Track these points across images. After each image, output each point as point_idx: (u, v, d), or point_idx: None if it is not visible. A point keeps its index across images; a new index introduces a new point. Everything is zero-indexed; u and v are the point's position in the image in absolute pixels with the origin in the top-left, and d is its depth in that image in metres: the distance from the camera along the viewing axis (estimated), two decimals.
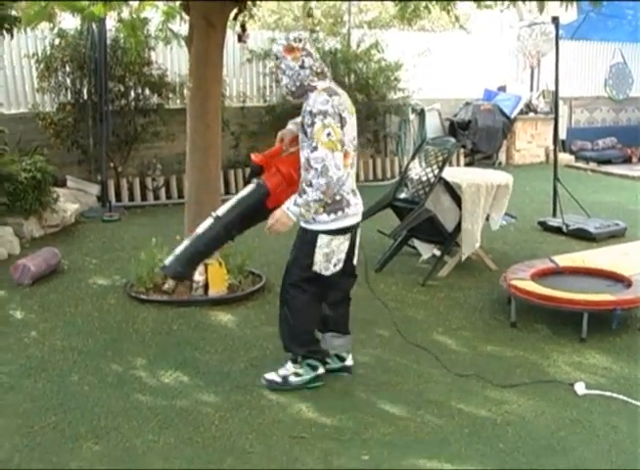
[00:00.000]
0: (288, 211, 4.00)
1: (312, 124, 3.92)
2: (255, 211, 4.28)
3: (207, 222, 4.30)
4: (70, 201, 8.95)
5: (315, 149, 3.91)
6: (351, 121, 4.14)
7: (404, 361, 4.73)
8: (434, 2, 6.61)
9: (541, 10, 6.51)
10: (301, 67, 4.11)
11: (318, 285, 4.23)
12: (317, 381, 4.34)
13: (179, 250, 4.34)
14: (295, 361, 4.33)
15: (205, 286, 5.90)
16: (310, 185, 3.93)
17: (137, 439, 3.75)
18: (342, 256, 4.19)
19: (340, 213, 4.09)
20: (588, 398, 4.20)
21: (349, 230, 4.18)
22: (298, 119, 4.24)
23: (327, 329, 4.46)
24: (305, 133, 3.99)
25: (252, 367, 4.60)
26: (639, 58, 15.12)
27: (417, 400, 4.18)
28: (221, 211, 4.31)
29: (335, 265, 4.17)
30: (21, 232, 7.71)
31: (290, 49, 4.14)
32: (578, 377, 4.45)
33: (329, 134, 3.90)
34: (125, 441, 3.73)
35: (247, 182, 4.47)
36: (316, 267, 4.14)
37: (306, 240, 4.15)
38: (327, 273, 4.17)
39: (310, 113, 3.95)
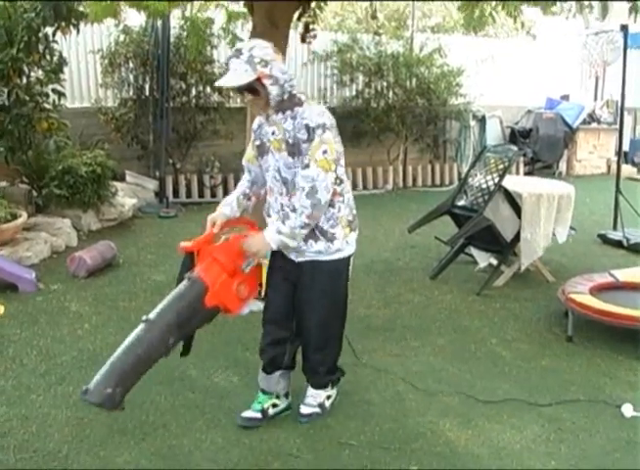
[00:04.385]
0: (270, 241, 3.55)
1: (309, 140, 3.45)
2: (193, 311, 3.51)
3: (137, 330, 3.41)
4: (128, 195, 9.05)
5: (307, 167, 3.46)
6: None
7: (457, 371, 4.65)
8: (499, 9, 6.52)
9: (604, 16, 6.33)
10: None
11: None
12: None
13: (105, 368, 3.30)
14: (325, 386, 4.04)
15: (259, 286, 5.87)
16: (294, 210, 3.53)
17: (184, 437, 3.74)
18: None
19: (357, 229, 3.83)
20: None
21: None
22: (233, 201, 3.86)
23: (289, 366, 4.06)
24: (294, 153, 3.51)
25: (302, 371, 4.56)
26: None
27: (468, 412, 4.10)
28: (153, 313, 3.44)
29: None
30: (78, 225, 7.82)
31: (276, 51, 3.53)
32: (635, 396, 4.31)
33: (325, 152, 3.44)
34: (172, 438, 3.73)
35: (179, 278, 3.64)
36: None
37: (342, 268, 3.78)
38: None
39: (307, 127, 3.45)
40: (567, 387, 4.46)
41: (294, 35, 6.78)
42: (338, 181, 3.56)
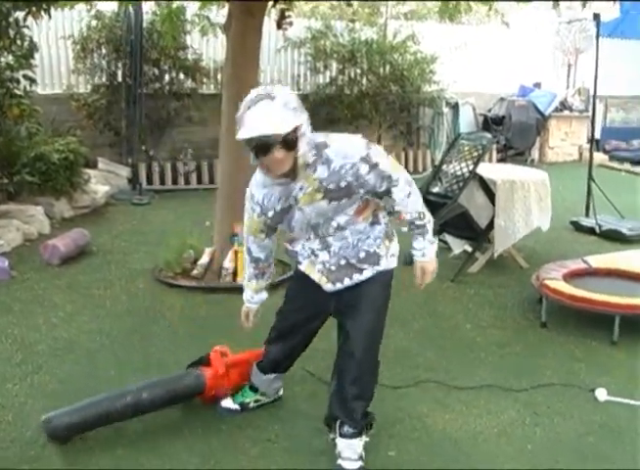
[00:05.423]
0: (434, 259, 3.39)
1: (374, 166, 3.06)
2: (177, 399, 3.79)
3: (126, 389, 3.67)
4: (101, 183, 8.99)
5: (397, 181, 3.16)
6: None
7: (432, 357, 4.69)
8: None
9: (584, 5, 6.40)
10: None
11: None
12: None
13: (75, 406, 3.57)
14: (360, 432, 3.41)
15: (234, 273, 5.88)
16: (327, 247, 3.25)
17: (163, 426, 3.73)
18: None
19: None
20: (618, 403, 4.13)
21: None
22: (252, 294, 3.63)
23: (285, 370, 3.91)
24: (341, 196, 3.09)
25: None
26: None
27: (445, 398, 4.13)
28: (144, 383, 3.73)
29: None
30: (51, 212, 7.76)
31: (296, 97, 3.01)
32: (608, 381, 4.36)
33: (387, 156, 3.19)
34: (150, 427, 3.71)
35: (190, 365, 3.98)
36: None
37: (387, 283, 3.42)
38: None
39: (362, 159, 3.03)
40: (541, 372, 4.50)
41: (267, 21, 6.73)
42: None
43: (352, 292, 3.32)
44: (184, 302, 5.54)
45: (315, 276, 3.34)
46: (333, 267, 3.28)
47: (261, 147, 2.88)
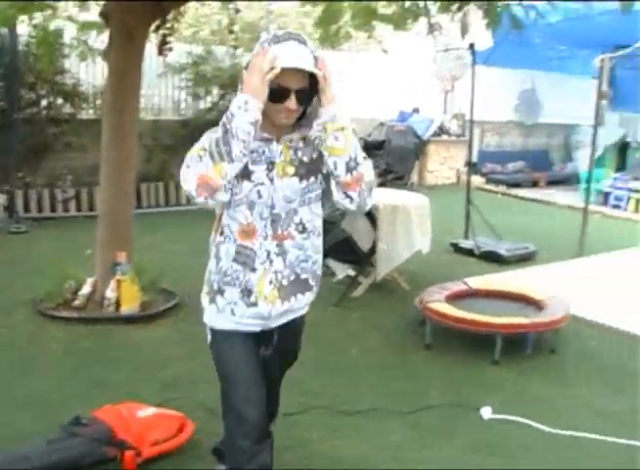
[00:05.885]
0: (342, 113, 2.82)
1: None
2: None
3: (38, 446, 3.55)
4: None
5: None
6: None
7: (321, 383, 4.70)
8: (355, 25, 6.65)
9: (463, 34, 6.62)
10: None
11: None
12: None
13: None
14: None
15: (117, 303, 5.76)
16: (283, 253, 2.83)
17: None
18: None
19: None
20: (503, 420, 4.24)
21: None
22: None
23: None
24: (312, 172, 2.84)
25: (166, 387, 4.49)
26: (547, 85, 15.42)
27: (334, 423, 4.15)
28: (59, 446, 3.55)
29: None
30: None
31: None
32: (492, 399, 4.48)
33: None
34: None
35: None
36: None
37: (303, 324, 3.22)
38: None
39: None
40: (427, 393, 4.58)
41: (149, 46, 6.68)
42: None
43: (286, 339, 3.08)
44: (66, 334, 5.37)
45: (265, 290, 2.81)
46: (285, 281, 2.85)
47: (279, 92, 2.63)
